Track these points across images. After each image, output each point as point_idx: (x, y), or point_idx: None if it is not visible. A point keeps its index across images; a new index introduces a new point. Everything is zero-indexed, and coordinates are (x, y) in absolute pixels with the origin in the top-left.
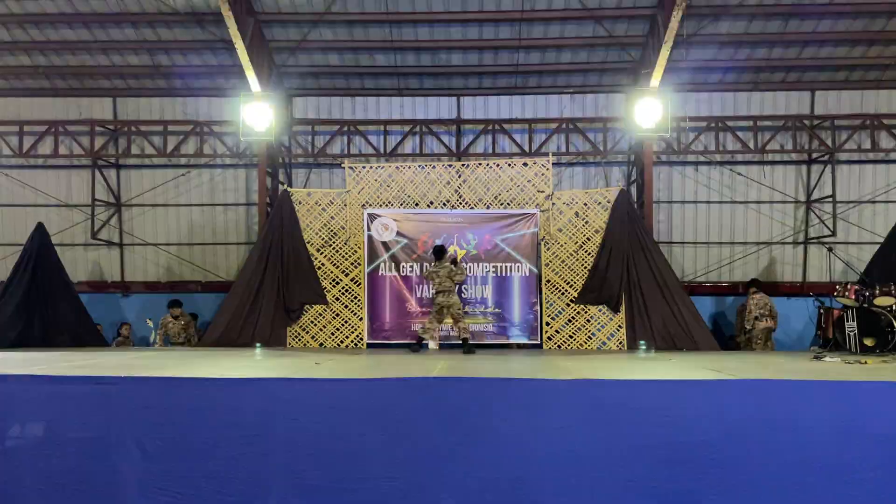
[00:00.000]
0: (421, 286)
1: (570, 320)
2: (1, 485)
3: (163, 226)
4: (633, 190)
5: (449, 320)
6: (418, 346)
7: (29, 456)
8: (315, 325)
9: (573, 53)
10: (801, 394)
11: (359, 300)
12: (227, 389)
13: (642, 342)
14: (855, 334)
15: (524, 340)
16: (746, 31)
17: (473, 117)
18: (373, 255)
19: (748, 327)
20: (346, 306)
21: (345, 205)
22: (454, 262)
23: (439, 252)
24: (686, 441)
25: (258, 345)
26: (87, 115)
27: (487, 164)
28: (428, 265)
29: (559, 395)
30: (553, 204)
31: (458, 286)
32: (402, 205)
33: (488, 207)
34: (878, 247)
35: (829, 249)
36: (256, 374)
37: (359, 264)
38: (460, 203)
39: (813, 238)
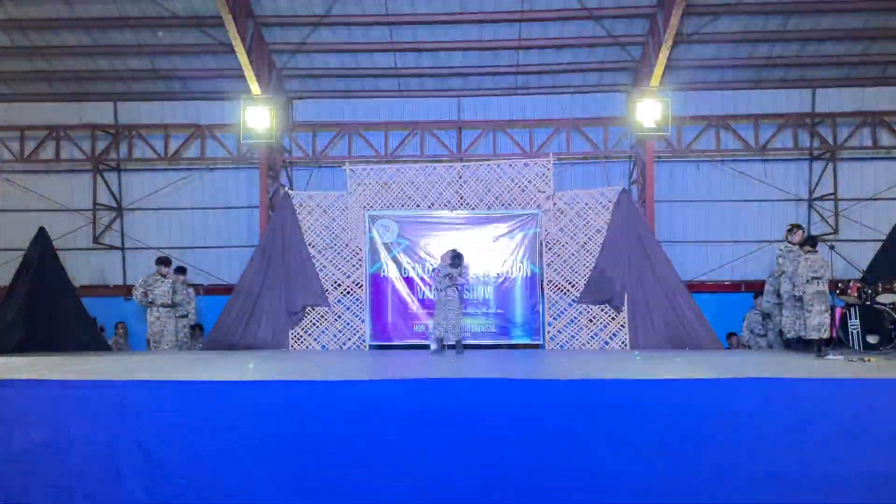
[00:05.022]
0: (423, 287)
1: (572, 320)
2: (7, 488)
3: (164, 229)
4: (635, 189)
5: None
6: (442, 347)
7: (34, 460)
8: (317, 327)
9: (573, 53)
10: (805, 392)
11: (361, 302)
12: (230, 393)
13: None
14: (858, 332)
15: (526, 341)
16: (747, 29)
17: (474, 118)
18: (374, 257)
19: (797, 294)
20: (348, 308)
21: (346, 207)
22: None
23: (458, 259)
24: (690, 440)
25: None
26: (87, 120)
27: (488, 165)
28: (430, 265)
29: (562, 396)
30: (554, 204)
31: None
32: (403, 206)
33: (490, 208)
34: (880, 244)
35: (831, 247)
36: (259, 378)
37: (360, 266)
38: (461, 204)
39: (815, 236)
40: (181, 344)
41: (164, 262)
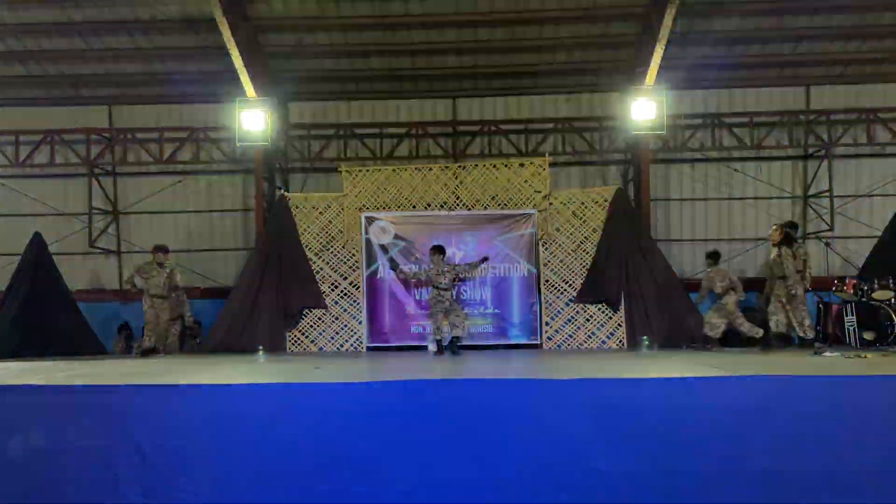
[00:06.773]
0: (419, 289)
1: (569, 320)
2: (5, 494)
3: (160, 233)
4: (631, 188)
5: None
6: (441, 349)
7: (31, 465)
8: (314, 329)
9: (568, 53)
10: (801, 390)
11: (358, 303)
12: (227, 396)
13: (645, 338)
14: (854, 328)
15: (524, 341)
16: (740, 27)
17: (469, 119)
18: (371, 259)
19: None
20: (346, 310)
21: (342, 208)
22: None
23: (440, 249)
24: (686, 438)
25: (259, 350)
26: (82, 124)
27: (484, 166)
28: (426, 268)
29: (559, 395)
30: (550, 204)
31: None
32: (399, 207)
33: (486, 209)
34: (875, 241)
35: (827, 244)
36: (256, 380)
37: (357, 267)
38: (458, 205)
39: (811, 233)
40: (170, 345)
41: (161, 248)
